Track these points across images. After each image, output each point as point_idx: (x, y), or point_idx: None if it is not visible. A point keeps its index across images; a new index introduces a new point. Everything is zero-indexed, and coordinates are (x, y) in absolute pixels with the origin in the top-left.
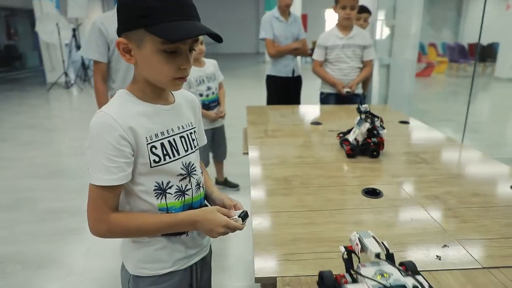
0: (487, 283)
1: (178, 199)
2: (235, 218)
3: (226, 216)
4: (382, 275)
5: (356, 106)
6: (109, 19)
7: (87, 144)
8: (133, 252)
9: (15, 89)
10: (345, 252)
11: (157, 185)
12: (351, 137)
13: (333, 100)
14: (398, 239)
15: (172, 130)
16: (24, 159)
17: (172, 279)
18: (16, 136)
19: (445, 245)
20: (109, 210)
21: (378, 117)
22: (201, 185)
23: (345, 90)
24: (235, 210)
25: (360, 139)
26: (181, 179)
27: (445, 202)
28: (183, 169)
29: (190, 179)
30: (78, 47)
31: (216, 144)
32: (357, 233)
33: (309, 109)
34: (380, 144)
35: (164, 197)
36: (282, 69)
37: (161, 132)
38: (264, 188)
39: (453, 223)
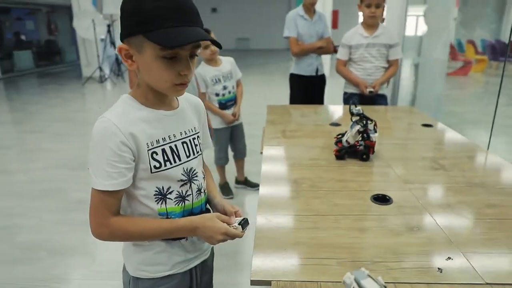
0: None
1: (178, 205)
2: (235, 226)
3: (226, 223)
4: None
5: (380, 106)
6: None
7: (90, 149)
8: (134, 255)
9: (53, 82)
10: None
11: (157, 190)
12: (343, 139)
13: (357, 100)
14: (401, 249)
15: (174, 136)
16: (57, 151)
17: (171, 282)
18: (51, 128)
19: (449, 258)
20: (110, 215)
21: (371, 120)
22: (202, 190)
23: (368, 90)
24: (236, 217)
25: (351, 141)
26: (182, 185)
27: (457, 212)
28: (183, 175)
29: (191, 184)
30: (113, 43)
31: (234, 141)
32: (351, 275)
33: (331, 109)
34: (370, 148)
35: (164, 202)
36: (306, 67)
37: (162, 138)
38: (273, 189)
39: (462, 235)
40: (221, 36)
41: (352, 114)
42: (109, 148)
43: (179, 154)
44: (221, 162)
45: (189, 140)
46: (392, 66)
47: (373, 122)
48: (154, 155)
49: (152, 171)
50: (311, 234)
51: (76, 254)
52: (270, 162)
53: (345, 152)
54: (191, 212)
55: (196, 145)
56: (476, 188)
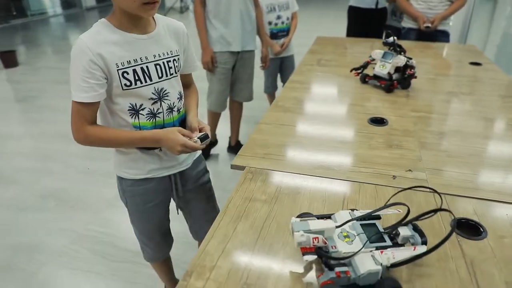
0: (417, 199)
1: (149, 120)
2: (194, 139)
3: (188, 137)
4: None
5: (432, 43)
6: None
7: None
8: (116, 157)
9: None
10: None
11: (131, 105)
12: (381, 71)
13: (414, 35)
14: (372, 159)
15: (146, 58)
16: None
17: (149, 184)
18: None
19: (409, 170)
20: (85, 123)
21: (404, 51)
22: (175, 109)
23: (425, 25)
24: (200, 132)
25: (392, 72)
26: (153, 103)
27: (447, 140)
28: (154, 94)
29: (161, 103)
30: None
31: (284, 72)
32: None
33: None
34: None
35: (137, 117)
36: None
37: (134, 60)
38: (282, 105)
39: (436, 157)
40: None
41: (387, 44)
42: (81, 65)
43: (150, 75)
44: (268, 91)
45: (163, 62)
46: (458, 0)
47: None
48: (125, 74)
49: (123, 89)
50: (296, 139)
51: (84, 207)
52: (290, 84)
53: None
54: (162, 127)
55: (170, 68)
56: (483, 122)
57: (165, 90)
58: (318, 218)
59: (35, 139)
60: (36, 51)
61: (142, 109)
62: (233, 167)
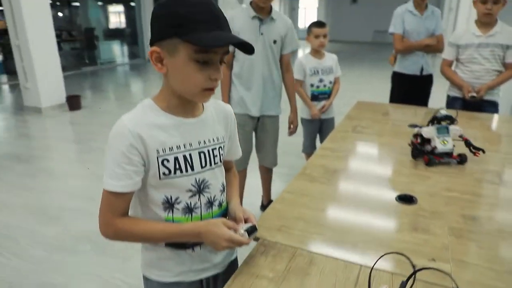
0: None
1: (185, 215)
2: (241, 232)
3: (234, 229)
4: None
5: (480, 114)
6: (237, 14)
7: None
8: (142, 254)
9: None
10: None
11: (165, 198)
12: (445, 147)
13: (460, 105)
14: (393, 244)
15: (191, 145)
16: None
17: None
18: None
19: (432, 259)
20: (116, 215)
21: (452, 121)
22: (215, 203)
23: (470, 95)
24: (246, 223)
25: (445, 148)
26: (191, 196)
27: (479, 225)
28: (194, 186)
29: (200, 196)
30: None
31: (323, 134)
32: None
33: (423, 111)
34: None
35: (171, 211)
36: (409, 66)
37: (177, 146)
38: (309, 173)
39: (463, 246)
40: (358, 28)
41: (438, 119)
42: (119, 149)
43: (192, 164)
44: (306, 151)
45: (208, 150)
46: (508, 69)
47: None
48: (165, 162)
49: (160, 178)
50: (314, 213)
51: None
52: (323, 151)
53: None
54: None
55: (215, 156)
56: None
57: (207, 182)
58: None
59: (83, 179)
60: (100, 96)
61: (178, 203)
62: None
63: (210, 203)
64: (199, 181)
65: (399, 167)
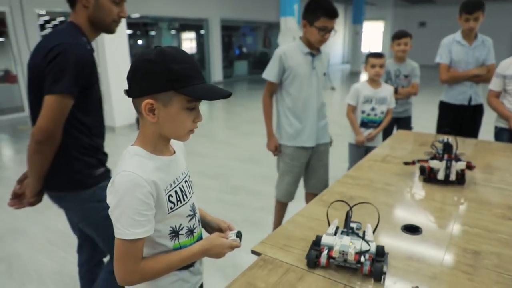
0: None
1: (188, 238)
2: (234, 238)
3: (224, 237)
4: None
5: None
6: (290, 50)
7: (113, 203)
8: (151, 284)
9: (259, 88)
10: None
11: (171, 229)
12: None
13: (507, 137)
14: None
15: (178, 178)
16: (238, 146)
17: None
18: (241, 128)
19: (416, 287)
20: (138, 262)
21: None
22: (200, 220)
23: None
24: (229, 230)
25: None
26: (190, 220)
27: (479, 260)
28: (190, 210)
29: (194, 217)
30: None
31: None
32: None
33: (470, 142)
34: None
35: (177, 238)
36: (457, 96)
37: (173, 181)
38: (326, 199)
39: (464, 280)
40: (427, 51)
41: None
42: (138, 198)
43: (185, 193)
44: None
45: (187, 178)
46: None
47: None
48: (170, 197)
49: (169, 212)
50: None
51: None
52: (344, 180)
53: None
54: (200, 239)
55: (191, 182)
56: None
57: (194, 204)
58: None
59: None
60: None
61: (181, 229)
62: (253, 252)
63: (199, 221)
64: (192, 205)
65: (412, 194)
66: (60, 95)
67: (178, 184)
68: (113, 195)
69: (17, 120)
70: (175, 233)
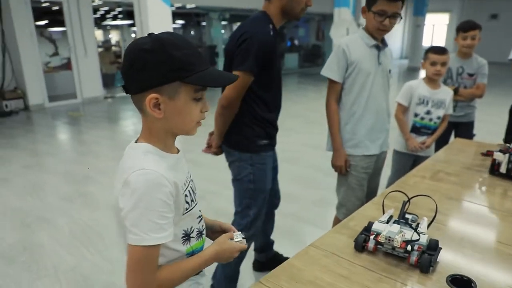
0: None
1: (198, 240)
2: (241, 240)
3: (231, 238)
4: None
5: None
6: (353, 42)
7: (130, 205)
8: None
9: (308, 83)
10: None
11: (184, 232)
12: None
13: None
14: None
15: (188, 177)
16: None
17: None
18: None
19: None
20: (155, 271)
21: None
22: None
23: None
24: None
25: None
26: (199, 221)
27: None
28: (200, 211)
29: (202, 218)
30: None
31: None
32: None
33: None
34: None
35: (189, 241)
36: None
37: (186, 180)
38: (352, 226)
39: None
40: (499, 45)
41: None
42: (159, 199)
43: (195, 192)
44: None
45: (192, 178)
46: None
47: None
48: (186, 197)
49: (184, 213)
50: (335, 279)
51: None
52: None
53: None
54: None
55: (193, 181)
56: None
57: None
58: None
59: None
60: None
61: (192, 231)
62: None
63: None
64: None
65: (457, 229)
66: (244, 72)
67: (190, 183)
68: (128, 196)
69: (71, 106)
70: (187, 236)
